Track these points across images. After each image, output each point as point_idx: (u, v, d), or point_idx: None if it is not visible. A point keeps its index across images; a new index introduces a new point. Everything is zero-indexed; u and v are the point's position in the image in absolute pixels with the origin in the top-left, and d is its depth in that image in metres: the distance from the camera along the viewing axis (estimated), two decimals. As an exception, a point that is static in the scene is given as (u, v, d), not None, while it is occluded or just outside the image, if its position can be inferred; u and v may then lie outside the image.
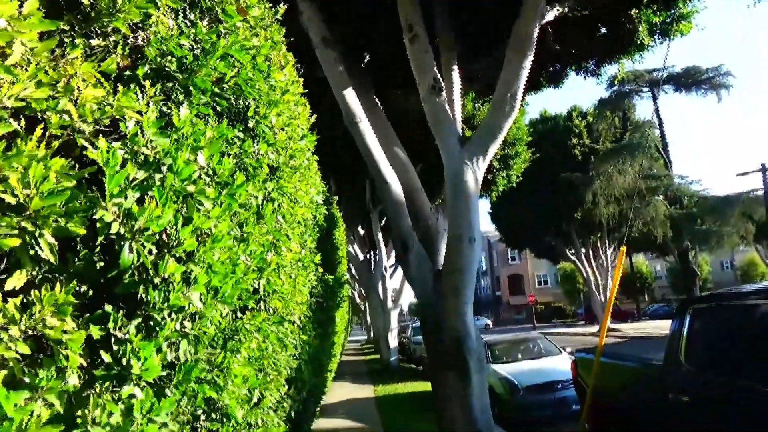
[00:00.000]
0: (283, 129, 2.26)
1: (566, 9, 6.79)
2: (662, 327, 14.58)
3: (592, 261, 24.66)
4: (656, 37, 8.74)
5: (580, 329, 30.21)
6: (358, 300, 29.51)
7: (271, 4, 2.37)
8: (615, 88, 21.85)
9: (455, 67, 6.38)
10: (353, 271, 17.66)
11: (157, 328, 1.07)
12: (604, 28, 8.40)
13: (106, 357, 0.97)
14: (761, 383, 3.09)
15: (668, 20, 8.37)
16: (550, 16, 6.43)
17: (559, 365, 7.82)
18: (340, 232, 7.40)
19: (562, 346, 9.47)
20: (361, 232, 16.99)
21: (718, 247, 22.32)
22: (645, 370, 4.31)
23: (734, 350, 3.63)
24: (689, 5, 8.42)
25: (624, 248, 5.79)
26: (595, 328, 25.70)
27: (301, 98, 2.80)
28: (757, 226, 21.01)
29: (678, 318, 4.02)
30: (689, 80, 20.07)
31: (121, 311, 1.03)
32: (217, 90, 1.57)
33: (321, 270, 4.20)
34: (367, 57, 7.20)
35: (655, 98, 21.70)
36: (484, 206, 32.76)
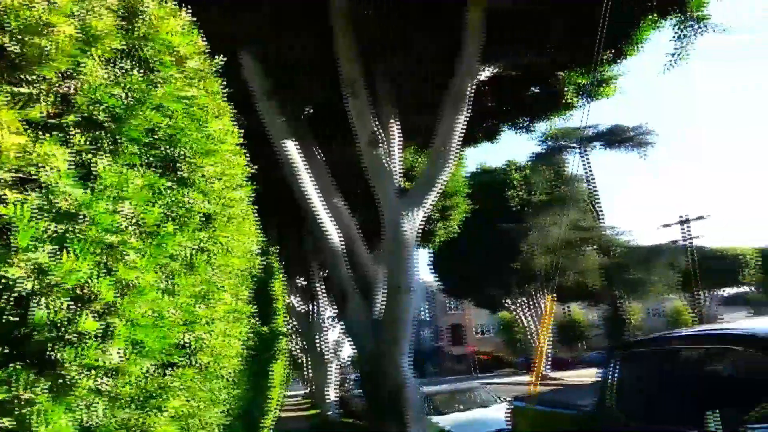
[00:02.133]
0: (218, 178, 2.24)
1: (500, 69, 7.18)
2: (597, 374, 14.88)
3: (530, 310, 25.22)
4: (583, 97, 9.35)
5: (519, 378, 30.50)
6: (299, 352, 28.71)
7: (210, 56, 2.39)
8: (548, 143, 23.06)
9: (395, 120, 6.58)
10: (293, 323, 17.25)
11: (70, 388, 1.02)
12: (536, 88, 8.94)
13: (8, 422, 0.91)
14: (685, 426, 3.21)
15: (593, 83, 8.99)
16: (484, 75, 6.78)
17: (497, 415, 7.85)
18: (278, 283, 7.27)
19: (499, 395, 9.53)
20: (302, 282, 16.72)
21: (646, 296, 23.40)
22: (578, 417, 4.40)
23: (659, 394, 3.78)
24: (612, 69, 9.08)
25: (551, 297, 6.00)
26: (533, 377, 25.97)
27: (237, 148, 2.80)
28: (680, 276, 22.27)
29: (606, 364, 4.16)
30: (615, 138, 21.52)
31: (31, 370, 0.97)
32: (147, 140, 1.55)
33: (256, 322, 4.10)
34: (308, 109, 7.32)
35: (582, 153, 23.10)
36: (424, 256, 33.18)
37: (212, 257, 2.30)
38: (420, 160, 10.96)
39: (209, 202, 2.11)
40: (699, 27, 7.43)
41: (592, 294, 26.63)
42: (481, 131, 9.55)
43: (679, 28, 7.18)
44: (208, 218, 2.21)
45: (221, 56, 2.52)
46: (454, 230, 12.78)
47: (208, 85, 2.30)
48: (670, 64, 7.21)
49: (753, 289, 41.04)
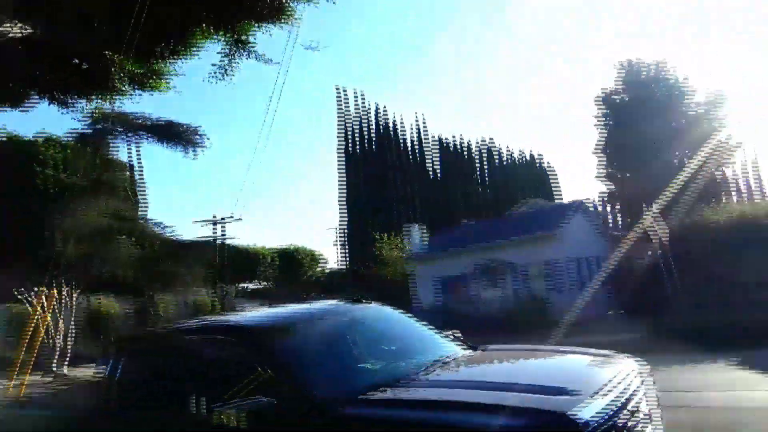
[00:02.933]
0: None
1: (36, 31, 6.32)
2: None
3: (56, 303, 22.56)
4: (134, 86, 9.11)
5: (31, 378, 26.74)
6: None
7: None
8: (96, 125, 21.33)
9: None
10: None
11: None
12: (82, 64, 8.21)
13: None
14: (193, 412, 3.49)
15: (145, 73, 8.88)
16: (15, 32, 5.85)
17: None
18: None
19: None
20: None
21: (178, 288, 24.39)
22: (71, 419, 4.18)
23: (158, 384, 3.99)
24: (169, 65, 9.18)
25: (54, 291, 5.60)
26: (50, 377, 23.32)
27: None
28: (211, 270, 24.22)
29: (110, 358, 4.14)
30: (168, 133, 21.74)
31: None
32: None
33: None
34: None
35: (130, 141, 22.49)
36: None
37: None
38: None
39: None
40: (245, 50, 8.37)
41: (125, 286, 25.91)
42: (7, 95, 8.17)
43: (226, 45, 7.92)
44: None
45: None
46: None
47: None
48: (215, 75, 7.87)
49: (270, 284, 48.31)
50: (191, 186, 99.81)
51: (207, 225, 25.85)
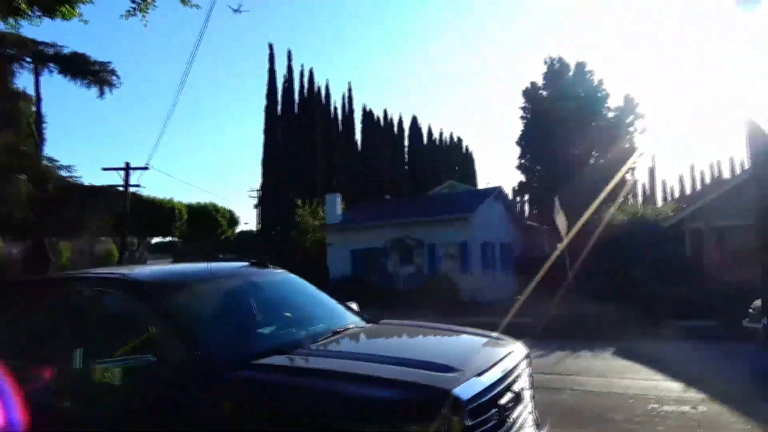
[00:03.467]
0: None
1: None
2: None
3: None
4: (36, 9, 8.32)
5: None
6: None
7: None
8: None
9: None
10: None
11: None
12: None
13: None
14: (57, 365, 3.28)
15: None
16: None
17: None
18: None
19: None
20: None
21: (79, 235, 22.93)
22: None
23: (39, 335, 3.73)
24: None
25: None
26: None
27: None
28: (115, 219, 22.91)
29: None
30: (75, 66, 20.07)
31: None
32: None
33: None
34: None
35: (38, 73, 20.61)
36: None
37: None
38: None
39: None
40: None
41: (17, 227, 23.97)
42: None
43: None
44: None
45: None
46: None
47: None
48: (130, 12, 7.32)
49: (180, 239, 46.57)
50: (106, 132, 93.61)
51: (110, 170, 24.29)
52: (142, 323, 3.41)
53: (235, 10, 7.53)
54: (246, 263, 4.58)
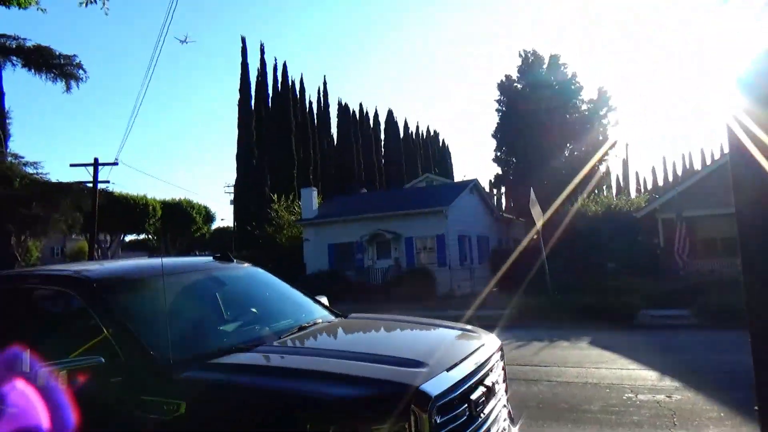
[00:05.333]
0: None
1: None
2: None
3: None
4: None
5: None
6: None
7: None
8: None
9: None
10: None
11: None
12: None
13: None
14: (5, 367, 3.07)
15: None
16: None
17: None
18: None
19: None
20: None
21: (47, 233, 22.27)
22: None
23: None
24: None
25: None
26: None
27: None
28: (85, 217, 22.29)
29: None
30: (39, 60, 19.40)
31: None
32: None
33: None
34: None
35: (-1, 67, 19.86)
36: None
37: None
38: None
39: None
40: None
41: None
42: None
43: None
44: None
45: None
46: None
47: None
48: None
49: (154, 237, 45.73)
50: (74, 128, 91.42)
51: (87, 170, 23.64)
52: (93, 323, 3.20)
53: (182, 41, 7.26)
54: (209, 258, 4.37)
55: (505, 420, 3.31)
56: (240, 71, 41.59)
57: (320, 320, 3.88)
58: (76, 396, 2.81)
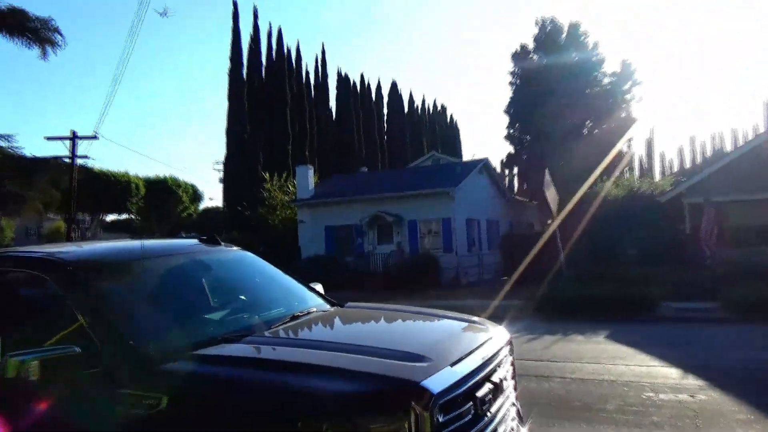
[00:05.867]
0: None
1: None
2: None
3: None
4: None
5: None
6: None
7: None
8: None
9: None
10: None
11: None
12: None
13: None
14: None
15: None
16: None
17: None
18: None
19: None
20: None
21: (20, 212, 22.28)
22: None
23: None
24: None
25: None
26: None
27: None
28: (62, 195, 22.28)
29: None
30: (12, 23, 19.18)
31: None
32: None
33: None
34: None
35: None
36: None
37: None
38: None
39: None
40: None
41: (-48, 204, 23.23)
42: None
43: None
44: None
45: None
46: None
47: None
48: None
49: (137, 216, 45.82)
50: (52, 97, 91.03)
51: (64, 144, 23.56)
52: (69, 310, 3.19)
53: (161, 14, 7.14)
54: (194, 240, 4.36)
55: (513, 419, 3.31)
56: (231, 38, 41.29)
57: (314, 309, 3.88)
58: (49, 388, 2.82)
